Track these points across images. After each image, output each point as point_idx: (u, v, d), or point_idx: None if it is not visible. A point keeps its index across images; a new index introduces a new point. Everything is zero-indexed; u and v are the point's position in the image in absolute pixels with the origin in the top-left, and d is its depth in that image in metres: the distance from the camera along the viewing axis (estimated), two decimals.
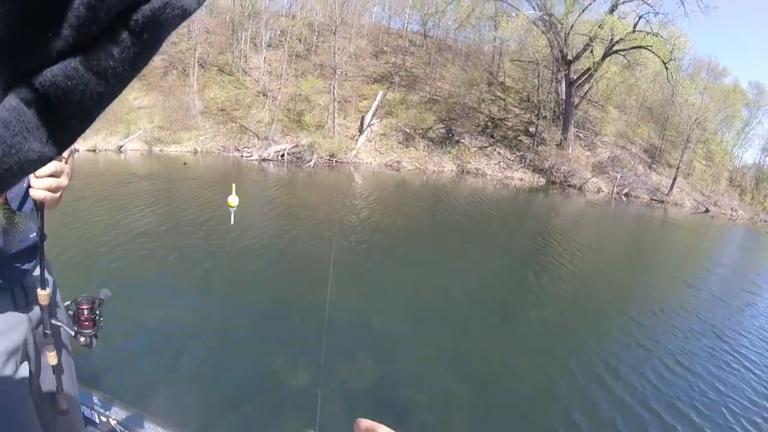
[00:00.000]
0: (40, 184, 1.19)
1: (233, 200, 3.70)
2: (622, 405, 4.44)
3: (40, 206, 1.26)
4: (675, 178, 39.38)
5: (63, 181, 1.25)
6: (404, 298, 6.43)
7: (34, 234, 1.34)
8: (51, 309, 1.40)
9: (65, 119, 0.24)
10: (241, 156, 16.58)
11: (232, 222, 4.42)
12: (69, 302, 1.49)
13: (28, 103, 0.23)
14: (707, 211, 41.97)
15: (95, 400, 2.07)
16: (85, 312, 1.45)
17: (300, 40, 25.69)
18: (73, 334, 1.46)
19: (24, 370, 1.37)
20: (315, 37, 26.53)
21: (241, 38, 23.73)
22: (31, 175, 1.20)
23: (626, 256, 14.54)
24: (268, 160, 17.08)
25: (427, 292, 6.77)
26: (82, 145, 13.61)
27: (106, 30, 0.22)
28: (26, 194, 1.28)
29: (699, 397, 4.77)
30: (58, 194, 1.25)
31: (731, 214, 46.78)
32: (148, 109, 16.68)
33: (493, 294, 7.61)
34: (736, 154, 57.36)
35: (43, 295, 1.32)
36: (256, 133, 17.78)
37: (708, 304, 9.42)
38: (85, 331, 1.45)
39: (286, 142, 18.15)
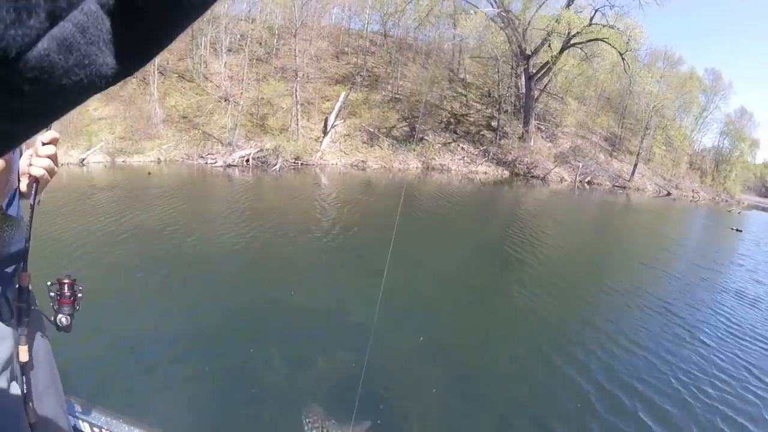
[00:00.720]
0: (41, 162, 1.29)
1: None
2: (591, 379, 4.86)
3: (32, 190, 1.30)
4: (636, 165, 40.70)
5: (56, 167, 1.34)
6: (377, 291, 6.57)
7: (22, 241, 1.38)
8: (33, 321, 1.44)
9: (144, 32, 0.23)
10: (206, 163, 16.44)
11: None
12: (50, 283, 1.50)
13: (110, 11, 0.21)
14: (669, 194, 43.53)
15: (77, 407, 2.05)
16: (66, 288, 1.48)
17: (260, 43, 25.63)
18: (52, 319, 1.48)
19: (15, 387, 1.39)
20: (275, 41, 26.53)
21: (201, 43, 23.54)
22: (33, 153, 1.31)
23: (591, 242, 15.25)
24: (233, 166, 17.03)
25: (399, 284, 6.93)
26: None
27: None
28: (11, 199, 1.36)
29: (654, 370, 5.25)
30: (51, 177, 1.33)
31: (693, 196, 48.63)
32: (108, 120, 16.41)
33: (463, 284, 7.94)
34: (695, 139, 59.21)
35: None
36: (220, 140, 17.68)
37: (667, 282, 10.14)
38: (65, 308, 1.47)
39: (251, 147, 18.13)
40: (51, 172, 1.31)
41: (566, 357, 5.27)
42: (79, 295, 1.52)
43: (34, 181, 1.30)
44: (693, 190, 50.09)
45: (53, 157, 1.31)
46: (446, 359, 5.06)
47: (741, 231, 25.25)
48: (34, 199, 1.31)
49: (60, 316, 1.47)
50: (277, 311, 5.61)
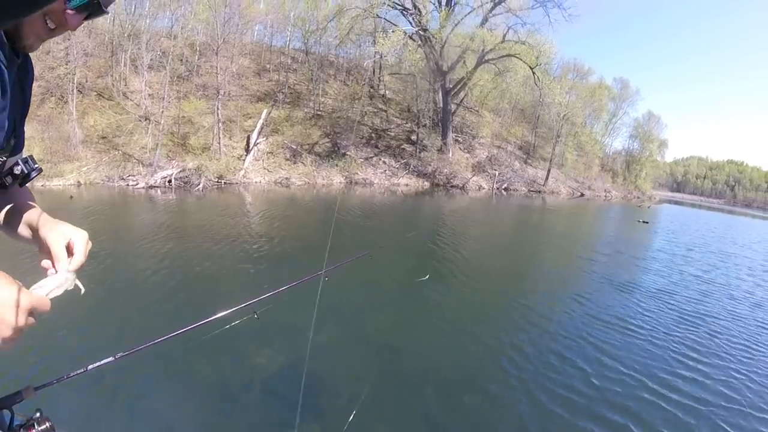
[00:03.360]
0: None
1: None
2: (510, 353, 5.83)
3: None
4: (549, 170, 43.60)
5: None
6: (312, 301, 6.90)
7: None
8: None
9: None
10: (127, 185, 16.19)
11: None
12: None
13: None
14: (582, 195, 47.04)
15: None
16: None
17: (182, 60, 25.54)
18: None
19: None
20: (197, 58, 26.56)
21: (121, 60, 23.27)
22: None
23: (512, 243, 16.89)
24: (155, 187, 16.95)
25: (328, 297, 7.44)
26: None
27: None
28: None
29: (563, 344, 6.26)
30: None
31: (605, 195, 52.66)
32: (26, 141, 15.92)
33: (390, 293, 8.44)
34: (606, 143, 63.98)
35: None
36: (141, 160, 17.57)
37: (577, 269, 12.08)
38: None
39: (172, 167, 18.10)
40: None
41: (489, 339, 6.19)
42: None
43: None
44: (605, 190, 54.20)
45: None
46: (380, 356, 5.60)
47: (648, 223, 28.47)
48: None
49: None
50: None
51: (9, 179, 1.10)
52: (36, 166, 1.15)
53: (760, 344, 7.45)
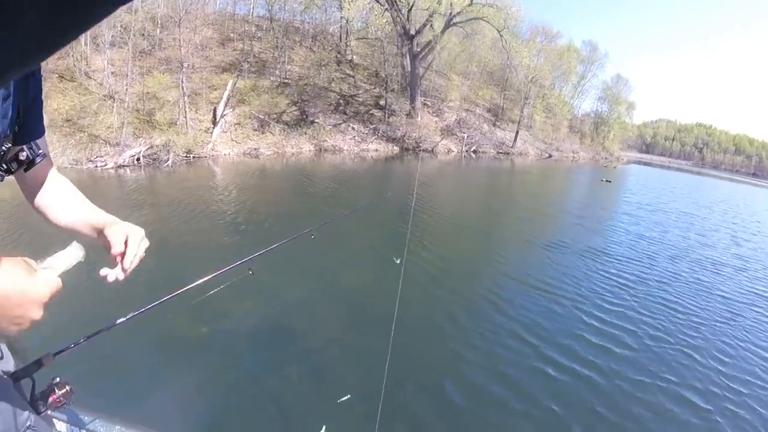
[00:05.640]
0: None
1: None
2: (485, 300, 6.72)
3: None
4: (517, 132, 44.38)
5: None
6: (283, 273, 7.23)
7: None
8: None
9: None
10: (96, 167, 16.26)
11: None
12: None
13: None
14: (550, 156, 48.24)
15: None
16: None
17: (144, 35, 25.28)
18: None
19: None
20: (159, 31, 26.33)
21: (82, 39, 22.95)
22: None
23: (485, 201, 17.90)
24: (124, 166, 17.16)
25: (308, 263, 7.71)
26: None
27: None
28: None
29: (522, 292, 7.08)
30: None
31: (573, 156, 54.01)
32: None
33: (371, 256, 9.11)
34: (575, 105, 65.23)
35: None
36: (107, 140, 17.70)
37: (542, 222, 13.53)
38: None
39: (140, 145, 18.28)
40: None
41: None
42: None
43: None
44: (573, 151, 55.40)
45: None
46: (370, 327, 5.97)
47: (610, 182, 29.88)
48: None
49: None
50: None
51: (14, 165, 1.13)
52: (40, 151, 1.17)
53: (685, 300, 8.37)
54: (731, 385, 5.59)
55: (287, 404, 4.37)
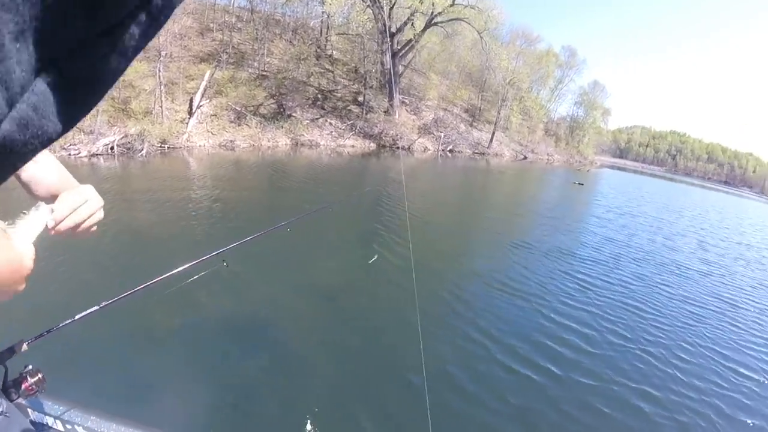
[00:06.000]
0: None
1: None
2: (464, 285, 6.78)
3: None
4: (494, 133, 45.02)
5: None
6: (258, 266, 7.30)
7: None
8: None
9: (83, 97, 0.27)
10: (69, 155, 15.97)
11: None
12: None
13: (54, 87, 0.25)
14: (525, 158, 49.10)
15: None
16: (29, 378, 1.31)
17: None
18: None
19: None
20: None
21: None
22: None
23: (459, 200, 18.30)
24: (97, 155, 16.92)
25: (283, 256, 7.77)
26: None
27: (130, 13, 0.25)
28: None
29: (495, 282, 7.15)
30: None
31: (548, 159, 55.07)
32: None
33: (345, 252, 9.19)
34: (552, 108, 66.58)
35: None
36: (81, 128, 17.28)
37: (513, 221, 13.75)
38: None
39: (114, 134, 17.99)
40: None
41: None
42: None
43: None
44: (548, 154, 56.49)
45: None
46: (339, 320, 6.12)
47: (582, 184, 30.59)
48: None
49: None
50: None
51: None
52: None
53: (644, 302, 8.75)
54: (690, 382, 5.93)
55: (262, 396, 4.46)
